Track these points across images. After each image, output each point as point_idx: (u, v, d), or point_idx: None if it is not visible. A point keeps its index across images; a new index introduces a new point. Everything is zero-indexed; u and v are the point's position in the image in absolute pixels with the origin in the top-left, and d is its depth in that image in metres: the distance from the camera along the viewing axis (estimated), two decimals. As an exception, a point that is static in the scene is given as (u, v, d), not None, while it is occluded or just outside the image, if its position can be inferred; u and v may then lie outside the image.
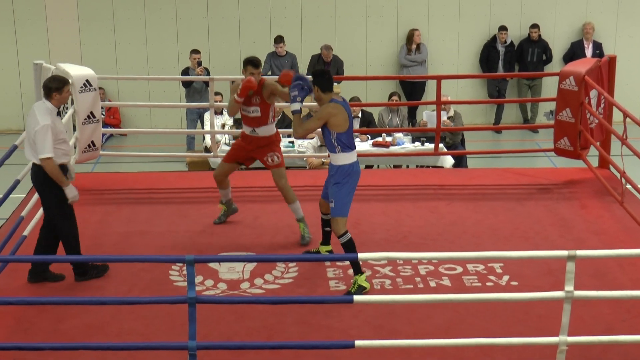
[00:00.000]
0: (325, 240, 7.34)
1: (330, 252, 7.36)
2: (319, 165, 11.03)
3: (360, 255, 5.70)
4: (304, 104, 6.89)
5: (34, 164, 6.74)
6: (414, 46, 15.04)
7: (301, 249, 7.56)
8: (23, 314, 6.42)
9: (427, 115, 12.02)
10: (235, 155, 7.85)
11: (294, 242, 7.70)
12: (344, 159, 6.79)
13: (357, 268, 6.79)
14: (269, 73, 14.32)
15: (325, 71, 6.96)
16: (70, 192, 6.75)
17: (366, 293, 6.73)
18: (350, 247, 6.79)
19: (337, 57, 14.44)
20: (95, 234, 7.93)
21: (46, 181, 6.68)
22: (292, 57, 14.51)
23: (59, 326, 6.33)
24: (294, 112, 6.85)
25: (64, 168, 6.76)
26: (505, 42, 15.15)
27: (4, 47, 15.20)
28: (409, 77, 14.90)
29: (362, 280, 6.77)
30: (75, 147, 8.90)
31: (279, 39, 14.38)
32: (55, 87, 6.74)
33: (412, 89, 15.05)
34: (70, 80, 6.54)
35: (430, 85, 15.08)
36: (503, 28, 15.12)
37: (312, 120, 6.79)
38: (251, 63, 7.49)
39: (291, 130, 11.52)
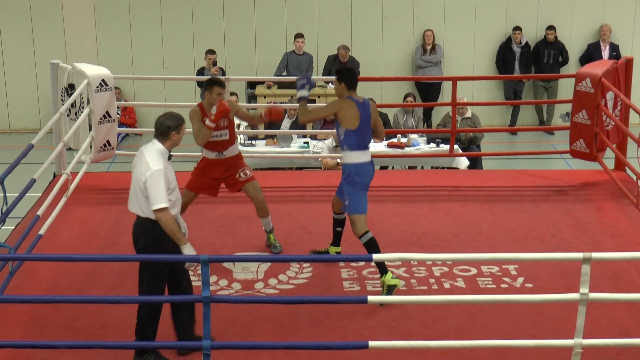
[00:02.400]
0: (336, 241, 7.30)
1: (338, 253, 7.33)
2: (334, 166, 11.03)
3: (374, 256, 5.69)
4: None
5: (139, 218, 5.82)
6: (429, 47, 15.03)
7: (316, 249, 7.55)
8: (38, 312, 6.45)
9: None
10: (199, 184, 7.51)
11: (308, 243, 7.70)
12: (352, 157, 6.78)
13: (383, 268, 6.72)
14: (284, 73, 14.34)
15: (350, 69, 7.00)
16: (189, 251, 5.74)
17: (397, 291, 6.71)
18: (372, 247, 6.73)
19: (353, 58, 14.43)
20: (111, 233, 7.95)
21: (154, 240, 5.74)
22: (309, 57, 14.51)
23: (74, 324, 6.35)
24: (300, 99, 6.89)
25: None
26: (520, 42, 15.11)
27: (21, 46, 15.28)
28: (425, 78, 14.89)
29: (389, 279, 6.69)
30: (91, 148, 8.94)
31: (300, 35, 14.37)
32: (175, 126, 5.83)
33: (428, 90, 15.04)
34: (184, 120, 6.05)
35: (446, 87, 15.05)
36: (517, 28, 15.09)
37: (320, 107, 6.90)
38: (217, 83, 7.18)
39: (306, 130, 11.62)
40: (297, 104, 6.99)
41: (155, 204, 5.64)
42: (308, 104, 6.91)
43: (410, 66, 15.47)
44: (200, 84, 13.72)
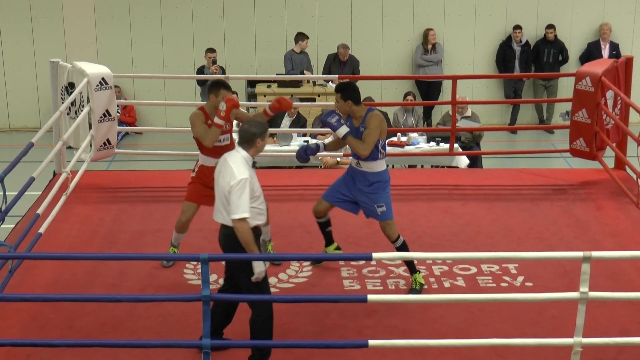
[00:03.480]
0: (329, 241, 7.20)
1: (338, 249, 7.27)
2: (334, 165, 11.03)
3: (375, 255, 5.68)
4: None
5: (226, 228, 5.73)
6: (429, 46, 15.03)
7: (315, 248, 7.55)
8: (38, 311, 6.45)
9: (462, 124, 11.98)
10: (199, 196, 7.07)
11: (308, 242, 7.70)
12: (383, 164, 6.77)
13: (414, 267, 6.81)
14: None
15: (352, 83, 6.84)
16: (258, 266, 5.63)
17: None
18: (406, 249, 6.77)
19: (353, 57, 14.44)
20: (110, 232, 7.95)
21: (243, 250, 5.68)
22: (307, 55, 14.54)
23: (73, 323, 6.35)
24: (346, 136, 6.64)
25: (257, 231, 5.78)
26: (521, 41, 15.12)
27: (21, 44, 15.28)
28: (425, 77, 14.89)
29: (420, 277, 6.80)
30: (91, 146, 8.93)
31: (307, 37, 14.36)
32: (260, 133, 5.72)
33: (428, 89, 15.04)
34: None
35: (446, 86, 15.06)
36: (517, 27, 15.10)
37: (371, 133, 6.60)
38: (225, 87, 6.80)
39: (305, 129, 11.61)
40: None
41: (236, 214, 5.57)
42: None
43: (410, 65, 15.47)
44: (199, 82, 13.73)
